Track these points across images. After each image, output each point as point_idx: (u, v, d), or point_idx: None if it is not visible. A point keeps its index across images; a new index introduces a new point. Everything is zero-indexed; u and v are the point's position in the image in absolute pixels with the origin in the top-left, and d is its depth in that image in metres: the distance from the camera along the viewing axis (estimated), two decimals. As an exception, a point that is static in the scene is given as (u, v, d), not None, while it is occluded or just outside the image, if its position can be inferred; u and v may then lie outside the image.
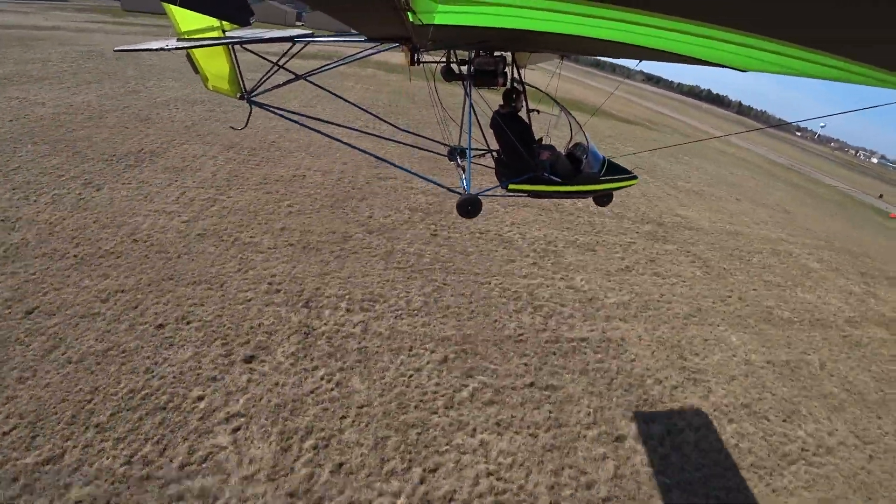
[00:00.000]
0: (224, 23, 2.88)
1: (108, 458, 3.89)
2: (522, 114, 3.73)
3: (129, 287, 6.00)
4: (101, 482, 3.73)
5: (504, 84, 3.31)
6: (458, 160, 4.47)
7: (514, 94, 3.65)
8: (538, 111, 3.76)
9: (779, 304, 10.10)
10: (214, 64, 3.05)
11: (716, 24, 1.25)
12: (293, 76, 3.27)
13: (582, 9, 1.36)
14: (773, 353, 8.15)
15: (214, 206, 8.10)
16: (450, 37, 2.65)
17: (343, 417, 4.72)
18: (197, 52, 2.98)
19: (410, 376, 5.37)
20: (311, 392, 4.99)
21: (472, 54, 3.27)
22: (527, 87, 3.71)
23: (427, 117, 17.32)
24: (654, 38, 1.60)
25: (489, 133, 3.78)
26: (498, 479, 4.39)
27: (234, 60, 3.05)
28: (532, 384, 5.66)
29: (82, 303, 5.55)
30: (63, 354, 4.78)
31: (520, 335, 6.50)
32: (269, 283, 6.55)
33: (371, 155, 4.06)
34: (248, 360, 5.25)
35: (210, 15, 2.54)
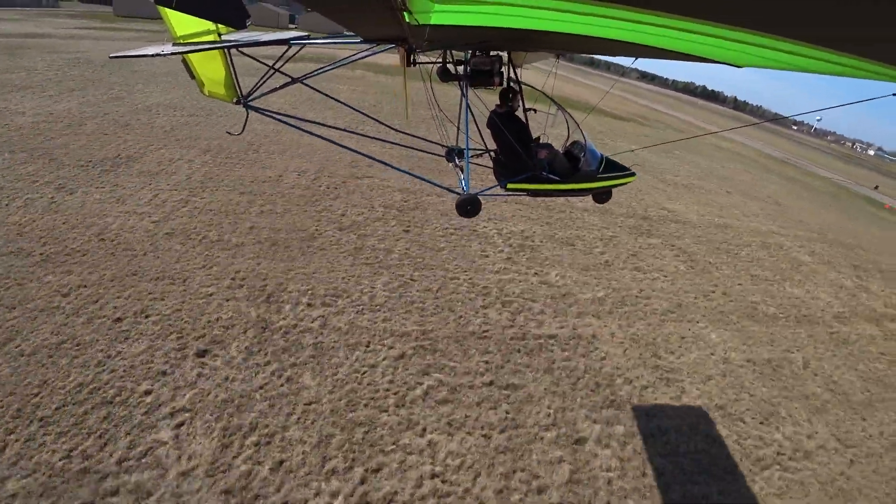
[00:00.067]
0: (220, 26, 2.87)
1: (48, 452, 3.82)
2: (519, 113, 3.68)
3: (91, 282, 5.94)
4: (38, 475, 3.65)
5: (500, 84, 3.28)
6: (457, 160, 4.43)
7: (511, 94, 3.62)
8: (535, 110, 3.72)
9: (765, 300, 9.78)
10: (210, 68, 3.02)
11: (712, 22, 1.24)
12: (289, 80, 3.23)
13: (579, 7, 1.34)
14: (755, 351, 7.75)
15: (186, 207, 7.99)
16: (446, 37, 2.62)
17: (289, 414, 4.54)
18: (192, 57, 2.94)
19: (364, 373, 5.16)
20: (261, 388, 4.86)
21: (469, 54, 3.24)
22: (523, 87, 3.67)
23: (413, 117, 17.34)
24: (650, 35, 1.58)
25: (486, 133, 3.75)
26: (443, 482, 4.17)
27: (230, 64, 3.02)
28: (491, 383, 5.39)
29: (43, 297, 5.45)
30: (17, 347, 4.71)
31: (484, 332, 6.22)
32: (233, 279, 6.37)
33: (368, 157, 3.97)
34: (201, 354, 5.14)
35: (206, 18, 2.51)
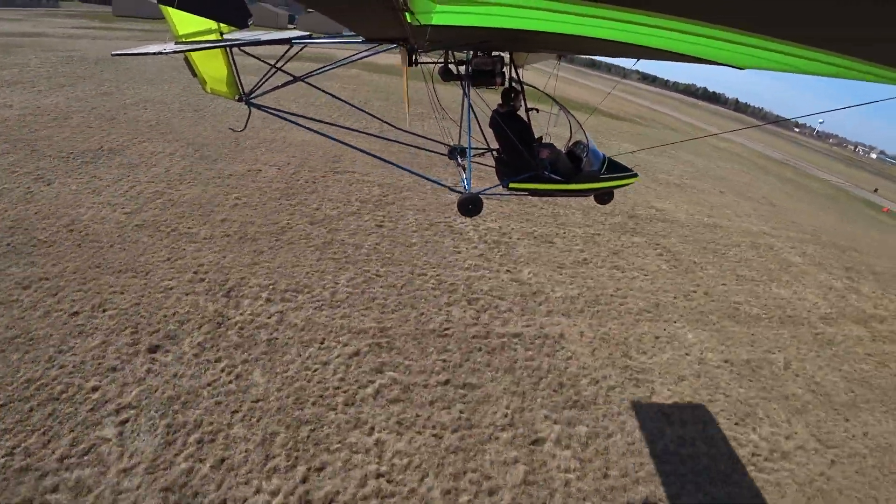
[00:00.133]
0: (222, 25, 2.83)
1: (-11, 450, 3.83)
2: (521, 113, 3.64)
3: (53, 274, 5.83)
4: (-22, 473, 3.66)
5: (502, 84, 3.24)
6: (459, 159, 4.38)
7: (513, 94, 3.57)
8: (537, 110, 3.67)
9: (748, 300, 9.39)
10: (212, 66, 3.01)
11: (714, 24, 1.22)
12: (291, 78, 3.21)
13: (580, 9, 1.32)
14: (733, 351, 7.40)
15: (160, 199, 7.84)
16: (448, 37, 2.59)
17: (235, 412, 4.37)
18: (195, 55, 2.94)
19: (315, 370, 4.95)
20: (209, 384, 4.70)
21: (470, 54, 3.20)
22: (525, 87, 3.63)
23: (399, 114, 17.02)
24: (652, 37, 1.57)
25: (489, 132, 3.69)
26: (388, 482, 3.98)
27: (232, 63, 3.00)
28: (447, 382, 5.15)
29: (3, 290, 5.27)
30: (-33, 342, 4.72)
31: (445, 330, 5.97)
32: (195, 273, 6.21)
33: (368, 154, 3.89)
34: (153, 350, 4.99)
35: (208, 17, 2.48)
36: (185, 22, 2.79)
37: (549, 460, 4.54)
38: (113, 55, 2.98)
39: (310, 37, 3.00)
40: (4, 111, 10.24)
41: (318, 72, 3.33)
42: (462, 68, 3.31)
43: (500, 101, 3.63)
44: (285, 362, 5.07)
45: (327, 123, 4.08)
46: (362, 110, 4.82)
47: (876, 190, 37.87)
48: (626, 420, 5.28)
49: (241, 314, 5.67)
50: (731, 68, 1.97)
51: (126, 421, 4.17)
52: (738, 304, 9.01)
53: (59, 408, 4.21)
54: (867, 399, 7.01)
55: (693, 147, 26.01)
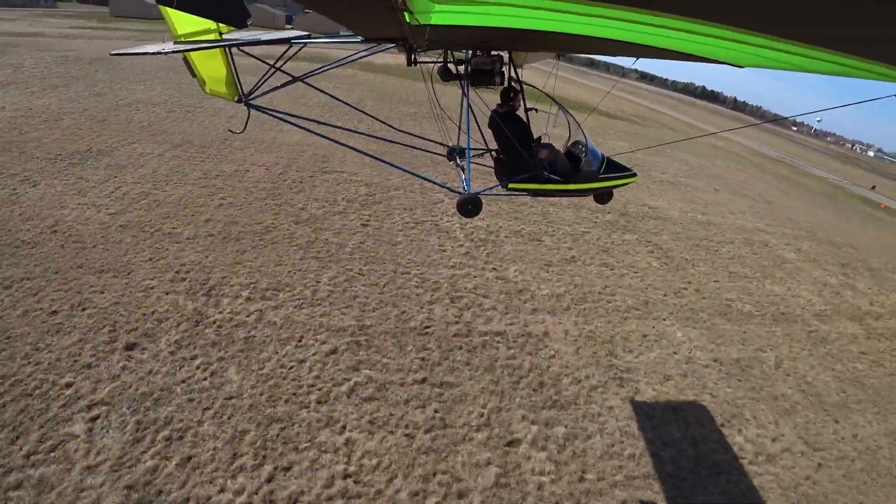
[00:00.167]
0: (221, 25, 2.83)
1: (-42, 446, 3.82)
2: (520, 113, 3.62)
3: (35, 275, 5.79)
4: (-55, 469, 3.66)
5: (501, 83, 3.23)
6: (458, 160, 4.39)
7: (512, 93, 3.56)
8: (536, 110, 3.65)
9: (741, 297, 9.28)
10: (211, 67, 3.00)
11: (713, 22, 1.22)
12: (290, 78, 3.21)
13: (580, 8, 1.32)
14: (723, 350, 7.23)
15: (145, 200, 7.82)
16: (447, 37, 2.58)
17: (207, 409, 4.32)
18: (194, 56, 2.93)
19: (291, 368, 4.90)
20: (183, 381, 4.66)
21: (469, 54, 3.20)
22: (524, 86, 3.62)
23: (393, 114, 17.05)
24: (652, 36, 1.57)
25: (488, 133, 3.68)
26: (356, 482, 3.90)
27: (231, 63, 2.99)
28: (424, 380, 5.07)
29: None
30: (-54, 342, 4.64)
31: (426, 328, 5.88)
32: (177, 272, 6.17)
33: (367, 155, 3.89)
34: (130, 347, 4.96)
35: (207, 17, 2.49)
36: (184, 22, 2.79)
37: (524, 462, 4.43)
38: (112, 55, 2.96)
39: (309, 37, 3.00)
40: (-4, 113, 10.40)
41: (318, 72, 3.33)
42: (461, 68, 3.31)
43: (500, 101, 3.63)
44: (261, 360, 5.05)
45: (326, 125, 4.05)
46: (362, 111, 4.77)
47: (874, 187, 37.47)
48: (606, 421, 5.16)
49: (220, 313, 5.66)
50: (729, 67, 1.97)
51: (96, 417, 4.15)
52: (730, 301, 8.90)
53: (31, 404, 4.20)
54: (859, 399, 6.84)
55: (690, 146, 25.87)
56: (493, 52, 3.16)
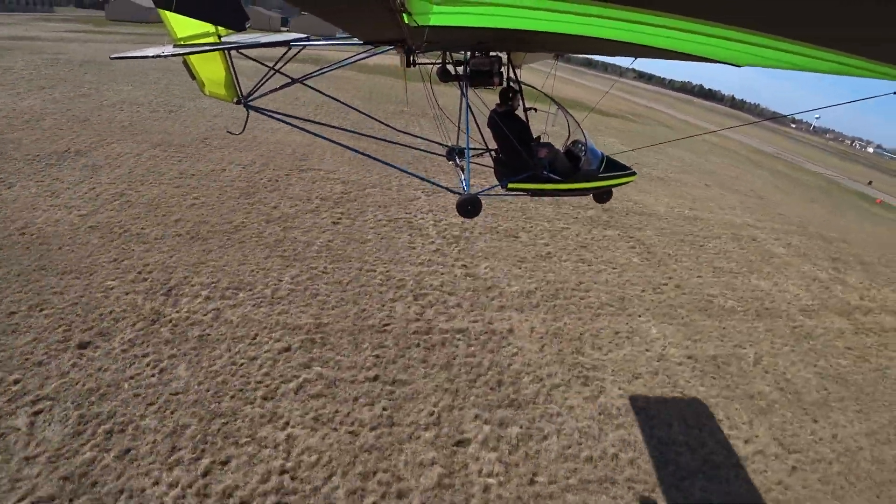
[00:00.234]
0: (219, 28, 2.86)
1: None
2: (519, 112, 3.63)
3: None
4: None
5: (500, 84, 3.24)
6: (457, 160, 4.40)
7: (511, 93, 3.57)
8: (535, 109, 3.65)
9: (723, 293, 9.06)
10: (211, 69, 3.03)
11: (712, 22, 1.22)
12: (288, 80, 3.23)
13: (578, 8, 1.31)
14: (699, 346, 6.93)
15: (117, 201, 7.81)
16: (446, 38, 2.59)
17: (151, 404, 4.29)
18: (193, 58, 2.96)
19: (241, 365, 4.82)
20: (131, 377, 4.60)
21: (468, 55, 3.21)
22: (523, 86, 3.62)
23: (379, 111, 17.05)
24: (650, 36, 1.57)
25: (487, 132, 3.69)
26: (292, 479, 3.81)
27: (231, 65, 3.02)
28: (376, 378, 4.94)
29: None
30: None
31: (385, 325, 5.75)
32: (139, 273, 6.11)
33: (366, 155, 3.93)
34: (83, 346, 4.90)
35: (206, 21, 2.51)
36: (183, 25, 2.81)
37: (471, 463, 4.25)
38: (111, 58, 2.97)
39: (308, 39, 3.00)
40: (-20, 117, 10.63)
41: (316, 74, 3.35)
42: (460, 69, 3.32)
43: (499, 101, 3.62)
44: (213, 357, 5.04)
45: (326, 125, 4.06)
46: (363, 113, 4.74)
47: (870, 182, 36.80)
48: (565, 421, 4.94)
49: (177, 312, 5.68)
50: (728, 66, 1.97)
51: (40, 412, 4.13)
52: (711, 296, 8.71)
53: (-24, 400, 4.28)
54: (841, 397, 6.53)
55: (686, 143, 25.46)
56: (492, 53, 3.16)
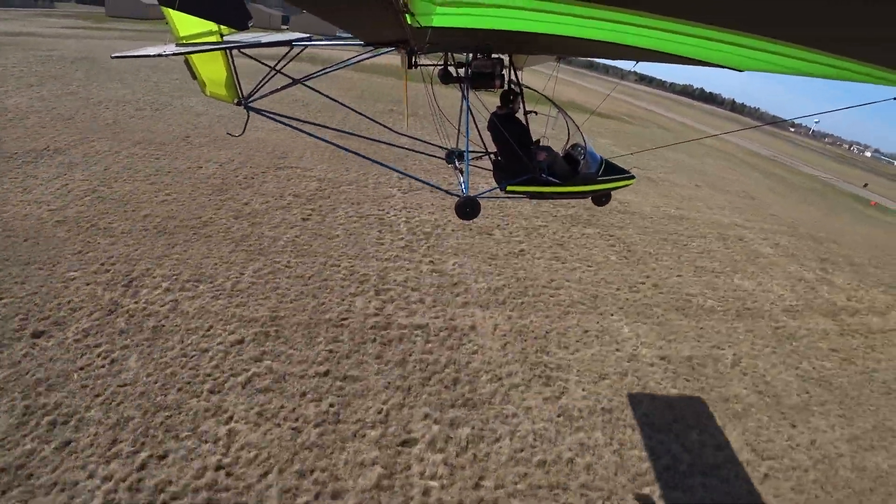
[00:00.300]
0: (222, 27, 2.89)
1: None
2: (519, 115, 3.67)
3: None
4: None
5: (501, 86, 3.28)
6: (457, 162, 4.45)
7: (511, 96, 3.60)
8: (535, 112, 3.69)
9: (703, 292, 8.97)
10: (212, 69, 3.05)
11: (713, 25, 1.23)
12: (289, 81, 3.27)
13: (581, 10, 1.33)
14: (674, 347, 6.73)
15: (88, 197, 7.84)
16: (449, 39, 2.61)
17: (98, 395, 4.23)
18: (195, 58, 2.97)
19: (192, 357, 4.76)
20: (82, 368, 4.55)
21: (470, 56, 3.25)
22: (524, 89, 3.68)
23: (369, 110, 17.18)
24: (652, 39, 1.58)
25: (487, 135, 3.72)
26: (227, 475, 3.73)
27: (232, 65, 3.04)
28: (327, 373, 4.84)
29: None
30: None
31: (342, 320, 5.64)
32: (102, 264, 6.10)
33: (364, 157, 3.97)
34: (37, 335, 4.84)
35: (208, 19, 2.53)
36: (186, 24, 2.82)
37: (415, 464, 4.10)
38: (112, 57, 2.98)
39: (310, 39, 3.02)
40: (-36, 114, 10.95)
41: (317, 74, 3.38)
42: (461, 71, 3.35)
43: (499, 104, 3.65)
44: (165, 349, 5.09)
45: (325, 127, 4.08)
46: (362, 115, 4.79)
47: (866, 185, 36.51)
48: (521, 423, 4.76)
49: (135, 303, 5.77)
50: (729, 70, 1.99)
51: None
52: (690, 296, 8.62)
53: (-84, 394, 4.34)
54: (822, 401, 6.28)
55: (683, 145, 25.38)
56: (494, 55, 3.20)
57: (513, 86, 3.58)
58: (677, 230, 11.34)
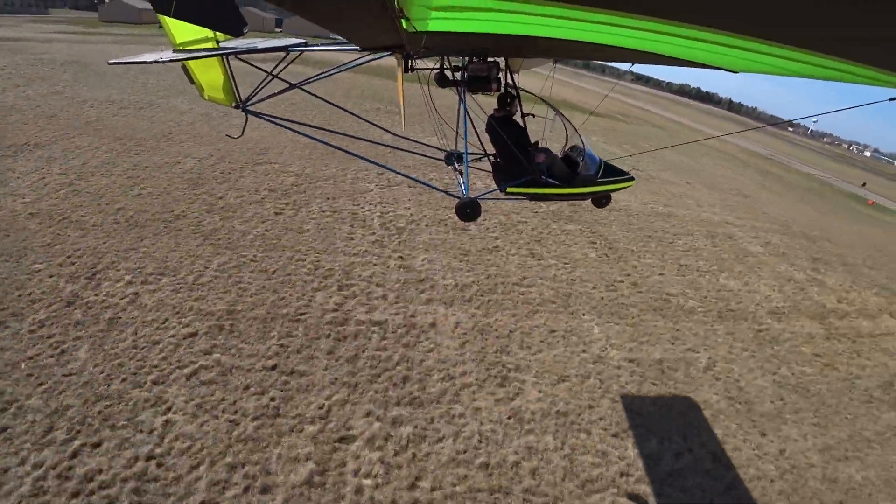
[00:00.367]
0: (218, 34, 2.94)
1: None
2: (517, 117, 3.71)
3: None
4: None
5: (498, 89, 3.31)
6: (456, 164, 4.51)
7: (509, 99, 3.65)
8: (533, 115, 3.74)
9: (685, 292, 8.78)
10: (209, 74, 3.12)
11: (706, 27, 1.25)
12: (287, 85, 3.35)
13: (576, 13, 1.35)
14: (645, 349, 6.48)
15: (63, 191, 7.91)
16: (444, 43, 2.65)
17: (41, 384, 4.24)
18: (192, 64, 3.03)
19: (143, 349, 4.75)
20: (30, 358, 4.54)
21: (466, 60, 3.29)
22: (520, 91, 3.71)
23: (357, 109, 17.26)
24: (649, 41, 1.60)
25: (485, 137, 3.77)
26: (158, 465, 3.71)
27: (229, 71, 3.11)
28: (274, 367, 4.77)
29: None
30: None
31: (300, 314, 5.56)
32: (68, 257, 6.14)
33: (363, 159, 4.02)
34: None
35: (204, 26, 2.57)
36: (183, 31, 2.86)
37: (350, 462, 4.00)
38: (109, 64, 3.07)
39: (306, 44, 3.06)
40: (-47, 111, 11.26)
41: (314, 79, 3.44)
42: (458, 74, 3.38)
43: (497, 106, 3.68)
44: (117, 340, 5.11)
45: (324, 129, 4.18)
46: (360, 117, 4.81)
47: (864, 184, 35.73)
48: (467, 423, 4.61)
49: (95, 295, 5.83)
50: (725, 72, 2.00)
51: None
52: (670, 295, 8.43)
53: None
54: (797, 409, 5.98)
55: (680, 145, 25.22)
56: (490, 59, 3.18)
57: (509, 89, 3.59)
58: (664, 227, 11.10)
